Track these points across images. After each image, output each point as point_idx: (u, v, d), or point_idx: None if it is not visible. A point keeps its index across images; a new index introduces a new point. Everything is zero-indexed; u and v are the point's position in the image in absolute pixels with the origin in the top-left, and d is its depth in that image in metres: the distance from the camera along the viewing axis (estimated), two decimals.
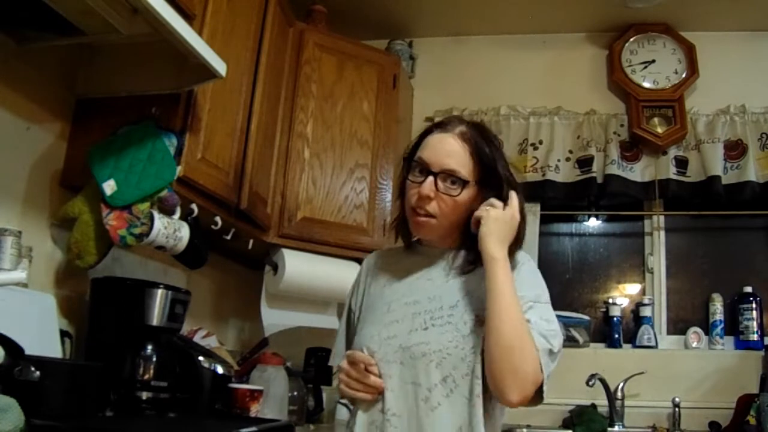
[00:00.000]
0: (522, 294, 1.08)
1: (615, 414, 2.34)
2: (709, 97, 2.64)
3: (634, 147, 2.64)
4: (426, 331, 1.10)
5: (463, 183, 1.12)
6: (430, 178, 1.12)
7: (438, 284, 1.16)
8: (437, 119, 2.79)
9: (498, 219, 1.11)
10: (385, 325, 1.14)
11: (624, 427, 2.33)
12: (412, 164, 1.16)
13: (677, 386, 2.36)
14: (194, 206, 1.66)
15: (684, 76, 2.65)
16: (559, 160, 2.66)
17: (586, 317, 2.61)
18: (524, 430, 2.37)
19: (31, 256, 1.41)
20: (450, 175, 1.12)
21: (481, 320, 1.07)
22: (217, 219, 1.78)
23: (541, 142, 2.70)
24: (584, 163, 2.64)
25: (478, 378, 1.05)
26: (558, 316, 2.85)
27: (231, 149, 1.79)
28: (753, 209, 2.53)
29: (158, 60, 1.46)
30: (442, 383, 1.06)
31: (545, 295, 1.15)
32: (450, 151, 1.13)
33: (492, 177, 1.15)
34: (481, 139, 1.16)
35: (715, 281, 2.60)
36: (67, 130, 1.59)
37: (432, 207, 1.13)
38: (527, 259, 1.21)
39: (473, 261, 1.15)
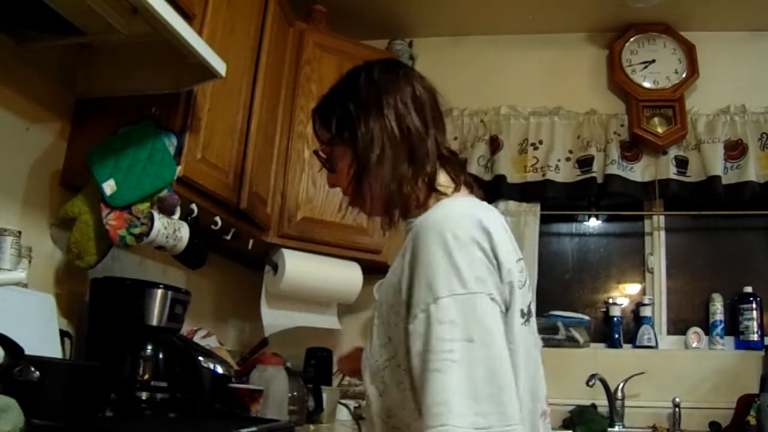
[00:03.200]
0: (413, 300, 0.81)
1: (615, 414, 2.34)
2: (709, 97, 2.64)
3: (634, 147, 2.63)
4: (370, 337, 0.95)
5: (324, 147, 1.02)
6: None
7: (386, 279, 0.98)
8: None
9: None
10: None
11: (624, 427, 2.33)
12: None
13: (677, 386, 2.36)
14: (194, 206, 1.66)
15: (684, 76, 2.65)
16: (559, 160, 2.66)
17: (586, 317, 2.61)
18: None
19: (30, 256, 1.41)
20: (316, 153, 1.05)
21: (389, 324, 0.87)
22: (217, 219, 1.78)
23: (541, 142, 2.70)
24: (584, 163, 2.64)
25: (379, 397, 0.89)
26: (558, 316, 2.86)
27: (231, 149, 1.79)
28: (753, 209, 2.53)
29: (158, 60, 1.46)
30: (369, 397, 0.93)
31: (442, 284, 0.79)
32: (313, 131, 1.07)
33: (333, 121, 1.00)
34: (330, 91, 1.06)
35: (715, 281, 2.59)
36: (66, 130, 1.59)
37: (342, 188, 1.04)
38: (426, 228, 0.84)
39: (389, 221, 0.98)
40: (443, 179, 0.98)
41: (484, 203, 0.94)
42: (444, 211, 0.88)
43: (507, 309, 0.84)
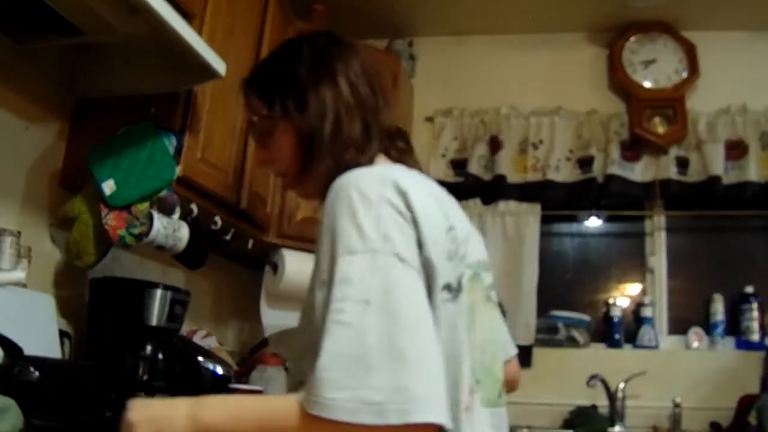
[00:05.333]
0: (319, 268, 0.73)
1: (616, 414, 2.33)
2: (710, 97, 2.64)
3: (634, 147, 2.63)
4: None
5: (261, 121, 0.94)
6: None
7: None
8: (437, 119, 2.80)
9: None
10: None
11: (625, 427, 2.33)
12: None
13: (678, 387, 2.36)
14: (194, 206, 1.66)
15: (685, 75, 2.65)
16: (559, 160, 2.66)
17: (587, 317, 2.61)
18: (525, 430, 2.37)
19: (30, 256, 1.41)
20: (253, 124, 0.96)
21: (307, 313, 0.77)
22: (217, 219, 1.78)
23: (541, 142, 2.70)
24: (585, 163, 2.64)
25: (299, 386, 0.76)
26: (558, 317, 2.85)
27: (230, 149, 1.78)
28: (754, 209, 2.53)
29: (158, 60, 1.46)
30: (288, 386, 0.86)
31: (342, 243, 0.70)
32: (244, 104, 0.98)
33: (276, 90, 0.92)
34: (265, 61, 0.99)
35: (716, 281, 2.59)
36: (66, 130, 1.59)
37: (273, 167, 0.96)
38: (335, 189, 0.75)
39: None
40: (383, 158, 0.92)
41: (415, 171, 0.83)
42: (356, 171, 0.77)
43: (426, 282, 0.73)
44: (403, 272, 0.69)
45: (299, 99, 0.89)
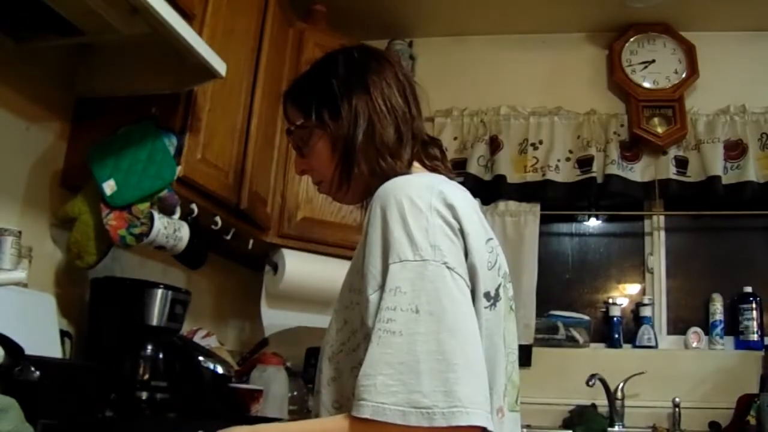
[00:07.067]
0: (367, 272, 0.75)
1: (615, 414, 2.34)
2: (709, 97, 2.64)
3: (634, 147, 2.63)
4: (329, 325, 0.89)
5: (297, 130, 0.98)
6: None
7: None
8: (437, 119, 2.80)
9: None
10: None
11: (624, 427, 2.33)
12: None
13: (677, 386, 2.36)
14: (194, 206, 1.66)
15: (684, 76, 2.65)
16: (559, 160, 2.66)
17: (586, 317, 2.61)
18: (524, 430, 2.37)
19: (31, 256, 1.41)
20: (291, 132, 1.00)
21: (346, 306, 0.82)
22: (217, 219, 1.78)
23: (541, 142, 2.70)
24: (584, 163, 2.64)
25: (330, 383, 0.82)
26: (558, 316, 2.85)
27: (231, 149, 1.79)
28: (753, 209, 2.53)
29: (158, 60, 1.46)
30: (319, 383, 0.86)
31: (394, 251, 0.73)
32: (282, 115, 1.03)
33: (312, 100, 0.96)
34: (303, 74, 1.03)
35: (715, 281, 2.59)
36: (66, 130, 1.59)
37: (311, 174, 1.01)
38: (383, 196, 0.79)
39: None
40: (418, 166, 0.95)
41: (454, 182, 0.87)
42: (403, 178, 0.82)
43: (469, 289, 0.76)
44: (451, 281, 0.72)
45: (333, 107, 0.93)
